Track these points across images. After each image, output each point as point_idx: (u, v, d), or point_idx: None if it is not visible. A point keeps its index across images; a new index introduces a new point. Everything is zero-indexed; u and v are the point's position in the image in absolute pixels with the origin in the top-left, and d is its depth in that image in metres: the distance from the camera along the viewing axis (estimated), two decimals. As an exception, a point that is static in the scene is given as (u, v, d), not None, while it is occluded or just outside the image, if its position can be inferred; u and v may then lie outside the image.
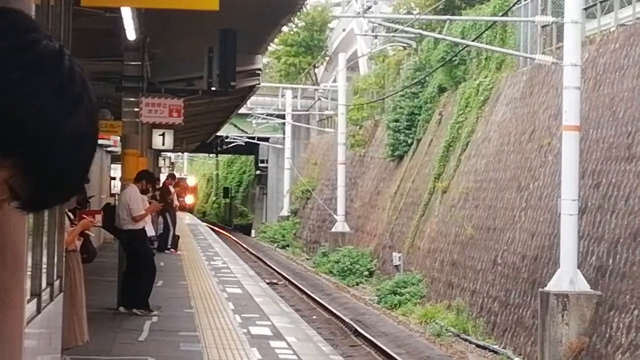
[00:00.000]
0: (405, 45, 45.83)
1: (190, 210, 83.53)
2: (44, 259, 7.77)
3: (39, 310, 7.31)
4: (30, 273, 6.86)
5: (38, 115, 1.61)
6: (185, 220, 50.17)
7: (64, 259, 9.43)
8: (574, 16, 21.94)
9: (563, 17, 22.57)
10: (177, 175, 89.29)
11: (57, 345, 8.94)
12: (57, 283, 8.58)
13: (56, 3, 8.33)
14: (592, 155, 23.29)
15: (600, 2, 27.41)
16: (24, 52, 1.63)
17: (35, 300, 7.17)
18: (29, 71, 1.62)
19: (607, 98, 24.39)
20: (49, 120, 1.62)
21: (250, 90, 29.24)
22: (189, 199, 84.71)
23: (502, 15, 31.06)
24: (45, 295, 7.73)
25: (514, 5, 31.51)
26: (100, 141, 30.65)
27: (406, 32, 38.95)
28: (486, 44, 31.54)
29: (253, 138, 69.56)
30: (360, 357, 23.11)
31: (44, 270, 7.76)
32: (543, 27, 28.73)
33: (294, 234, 60.18)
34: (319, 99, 62.03)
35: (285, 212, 64.47)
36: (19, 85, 1.60)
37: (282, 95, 64.53)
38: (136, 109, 20.68)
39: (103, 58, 19.15)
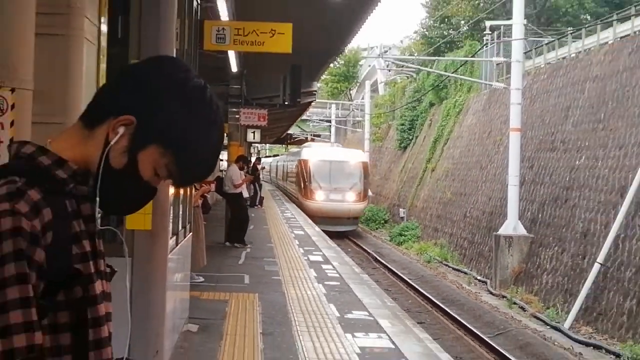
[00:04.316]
0: (408, 75, 45.69)
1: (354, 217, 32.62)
2: (180, 212, 7.82)
3: (177, 244, 7.37)
4: (172, 220, 6.91)
5: (195, 131, 1.61)
6: (266, 187, 50.23)
7: (192, 212, 9.49)
8: (517, 57, 21.80)
9: (511, 58, 22.40)
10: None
11: (188, 267, 9.03)
12: (188, 227, 8.65)
13: (189, 48, 8.36)
14: (528, 147, 23.14)
15: (535, 48, 27.22)
16: (183, 86, 1.63)
17: (174, 237, 7.22)
18: (187, 100, 1.62)
19: (538, 110, 24.24)
20: (201, 133, 1.62)
21: (309, 104, 29.28)
22: (351, 196, 31.59)
23: (471, 57, 30.87)
24: (180, 235, 7.79)
25: (479, 50, 31.42)
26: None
27: (409, 67, 38.80)
28: (461, 75, 31.34)
29: (308, 135, 69.57)
30: (379, 275, 23.14)
31: (180, 218, 7.82)
32: (497, 64, 28.48)
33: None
34: (352, 110, 61.94)
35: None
36: (179, 107, 1.61)
37: (329, 108, 64.52)
38: (237, 116, 20.77)
39: (216, 83, 19.26)
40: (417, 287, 20.76)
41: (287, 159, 47.64)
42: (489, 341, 14.61)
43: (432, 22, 47.90)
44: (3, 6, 3.28)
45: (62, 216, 1.52)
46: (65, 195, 1.55)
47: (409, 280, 21.83)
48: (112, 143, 1.57)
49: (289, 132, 58.96)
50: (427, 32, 48.58)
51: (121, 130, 1.57)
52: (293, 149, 58.45)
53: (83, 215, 1.58)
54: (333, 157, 33.43)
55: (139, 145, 1.59)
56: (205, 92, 1.64)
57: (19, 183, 1.49)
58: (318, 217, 28.02)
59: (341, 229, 30.05)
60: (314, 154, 34.12)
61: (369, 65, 66.60)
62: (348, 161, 32.81)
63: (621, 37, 20.94)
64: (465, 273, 23.68)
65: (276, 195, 41.28)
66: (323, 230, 22.47)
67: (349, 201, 31.25)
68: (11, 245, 1.43)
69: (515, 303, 18.66)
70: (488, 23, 31.65)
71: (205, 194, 12.95)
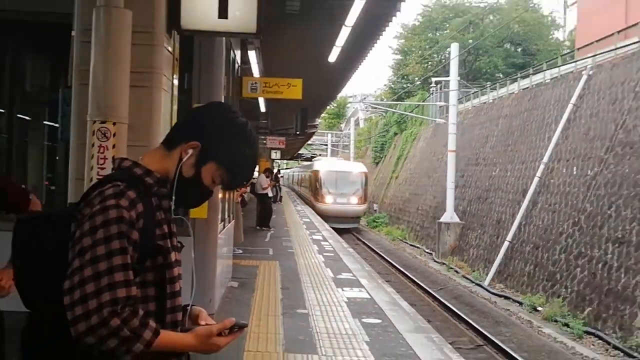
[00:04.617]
0: (380, 114, 45.62)
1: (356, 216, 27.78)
2: (226, 206, 7.81)
3: (224, 227, 7.35)
4: (220, 212, 6.90)
5: (240, 153, 1.62)
6: (284, 190, 49.84)
7: (233, 206, 9.47)
8: (453, 102, 21.80)
9: (449, 102, 22.40)
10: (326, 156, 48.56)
11: (231, 243, 8.99)
12: (231, 216, 8.63)
13: (233, 95, 8.37)
14: (460, 162, 23.06)
15: (465, 96, 27.21)
16: (231, 122, 1.64)
17: (222, 223, 7.21)
18: (234, 132, 1.62)
19: (467, 138, 24.17)
20: (243, 154, 1.63)
21: (313, 133, 29.09)
22: (354, 200, 27.11)
23: (422, 102, 30.84)
24: (226, 221, 7.77)
25: (427, 97, 31.39)
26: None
27: (380, 108, 38.80)
28: (415, 114, 31.33)
29: (314, 154, 69.34)
30: (360, 249, 22.98)
31: (226, 210, 7.80)
32: (440, 107, 28.47)
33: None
34: (342, 137, 61.88)
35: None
36: (229, 137, 1.61)
37: (326, 135, 64.41)
38: (264, 141, 20.71)
39: (251, 119, 18.96)
40: (385, 257, 20.71)
41: (300, 170, 43.65)
42: (434, 293, 14.58)
43: (395, 78, 47.93)
44: (108, 69, 3.41)
45: (150, 209, 1.53)
46: (152, 195, 1.57)
47: (380, 252, 21.78)
48: (184, 160, 1.59)
49: (300, 152, 58.93)
50: (392, 85, 48.51)
51: (190, 151, 1.59)
52: (303, 163, 57.19)
53: (163, 208, 1.59)
54: (340, 168, 29.18)
55: (202, 162, 1.60)
56: (247, 127, 1.66)
57: (121, 186, 1.51)
58: (327, 217, 24.47)
59: (346, 226, 26.63)
60: (324, 165, 29.81)
61: (354, 107, 66.48)
62: (352, 171, 28.58)
63: (523, 89, 20.98)
64: (418, 247, 23.62)
65: (291, 196, 41.19)
66: (332, 227, 20.03)
67: (353, 204, 27.45)
68: (116, 228, 1.45)
69: (451, 268, 18.61)
70: (434, 79, 31.68)
71: (243, 194, 12.91)
